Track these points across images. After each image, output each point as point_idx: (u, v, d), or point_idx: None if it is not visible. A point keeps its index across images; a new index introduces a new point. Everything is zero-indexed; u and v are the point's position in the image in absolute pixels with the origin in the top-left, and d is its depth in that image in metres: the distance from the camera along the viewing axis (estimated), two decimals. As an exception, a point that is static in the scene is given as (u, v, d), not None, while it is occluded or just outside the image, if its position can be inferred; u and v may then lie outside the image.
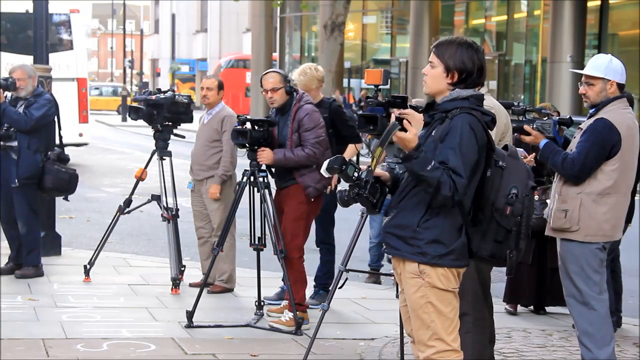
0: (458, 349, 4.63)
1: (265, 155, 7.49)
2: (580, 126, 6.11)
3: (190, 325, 7.45)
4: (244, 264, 10.12)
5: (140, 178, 9.13)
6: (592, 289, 5.95)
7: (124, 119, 44.69)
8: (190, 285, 8.95)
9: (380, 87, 6.11)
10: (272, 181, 7.72)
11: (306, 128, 7.51)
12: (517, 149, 5.19)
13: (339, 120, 8.40)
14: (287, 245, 7.53)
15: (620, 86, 6.03)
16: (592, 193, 5.91)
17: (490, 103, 5.87)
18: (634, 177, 6.15)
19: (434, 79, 4.71)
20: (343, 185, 5.06)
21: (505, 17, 30.72)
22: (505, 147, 4.85)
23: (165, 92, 9.03)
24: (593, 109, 6.05)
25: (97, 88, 58.62)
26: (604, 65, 6.00)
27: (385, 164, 6.38)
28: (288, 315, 7.56)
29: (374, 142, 8.35)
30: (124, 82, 62.19)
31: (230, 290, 8.84)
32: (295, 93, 7.62)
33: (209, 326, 7.53)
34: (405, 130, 4.57)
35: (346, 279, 6.82)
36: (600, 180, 5.91)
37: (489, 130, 4.67)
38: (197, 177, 8.88)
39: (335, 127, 8.36)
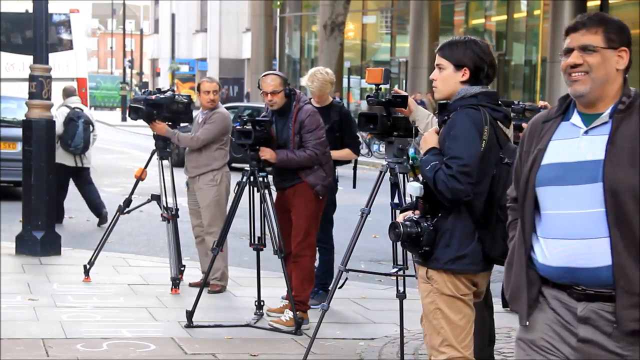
0: (470, 357, 4.61)
1: (269, 151, 7.49)
2: None
3: (190, 325, 7.45)
4: (244, 264, 10.12)
5: (140, 178, 9.13)
6: None
7: (124, 119, 44.69)
8: (190, 285, 8.95)
9: (380, 85, 6.13)
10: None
11: (308, 129, 7.52)
12: None
13: (347, 124, 8.41)
14: (300, 243, 7.56)
15: None
16: None
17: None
18: None
19: (445, 81, 4.62)
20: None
21: (505, 17, 30.73)
22: None
23: (165, 92, 9.03)
24: None
25: None
26: None
27: (385, 163, 6.38)
28: (288, 315, 7.56)
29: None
30: (124, 81, 62.20)
31: (224, 287, 8.84)
32: (293, 95, 7.63)
33: (209, 326, 7.52)
34: None
35: (346, 279, 6.81)
36: None
37: (504, 127, 4.63)
38: (191, 174, 8.90)
39: (341, 130, 8.37)
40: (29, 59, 10.66)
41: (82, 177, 13.07)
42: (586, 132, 3.37)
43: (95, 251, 9.25)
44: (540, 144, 3.44)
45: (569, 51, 3.44)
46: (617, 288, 3.25)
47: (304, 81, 8.46)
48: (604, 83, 3.35)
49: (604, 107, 3.37)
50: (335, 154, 8.15)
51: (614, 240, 3.26)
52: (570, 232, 3.32)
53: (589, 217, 3.29)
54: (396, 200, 6.39)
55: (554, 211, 3.36)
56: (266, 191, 7.55)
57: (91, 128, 12.86)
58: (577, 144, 3.37)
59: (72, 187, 13.11)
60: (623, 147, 3.27)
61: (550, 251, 3.37)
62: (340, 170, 8.65)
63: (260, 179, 7.53)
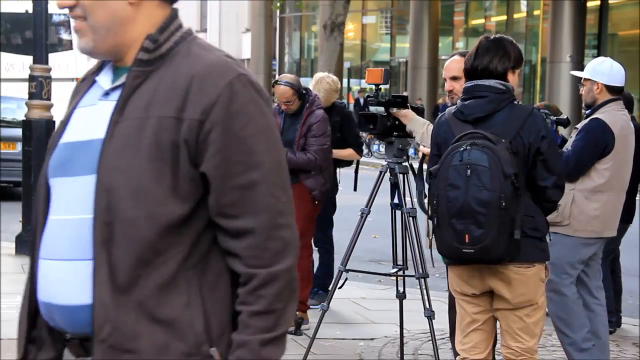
0: (466, 355, 4.69)
1: None
2: (576, 126, 6.21)
3: (190, 325, 7.43)
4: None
5: (140, 178, 9.14)
6: (563, 279, 6.05)
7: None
8: (190, 285, 8.94)
9: (380, 86, 6.13)
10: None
11: (314, 134, 7.53)
12: None
13: (348, 125, 8.43)
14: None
15: (611, 88, 6.07)
16: (585, 190, 6.00)
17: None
18: (628, 176, 6.22)
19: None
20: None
21: (504, 17, 30.77)
22: None
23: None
24: (589, 110, 6.16)
25: None
26: (591, 67, 6.18)
27: (385, 163, 6.38)
28: (288, 315, 7.55)
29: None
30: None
31: None
32: (308, 96, 7.64)
33: (209, 326, 7.51)
34: None
35: (346, 279, 6.81)
36: (593, 178, 6.02)
37: None
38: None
39: (342, 131, 8.40)
40: (29, 59, 10.67)
41: None
42: (106, 95, 2.25)
43: (95, 251, 9.24)
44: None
45: None
46: (95, 342, 2.13)
47: (310, 86, 8.46)
48: (114, 29, 2.19)
49: (131, 59, 2.23)
50: (338, 152, 8.16)
51: (97, 266, 2.12)
52: (54, 248, 2.21)
53: (75, 228, 2.17)
54: (396, 200, 6.40)
55: (52, 216, 2.25)
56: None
57: None
58: (93, 113, 2.24)
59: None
60: (132, 120, 2.15)
61: (39, 276, 2.29)
62: (340, 170, 8.65)
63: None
